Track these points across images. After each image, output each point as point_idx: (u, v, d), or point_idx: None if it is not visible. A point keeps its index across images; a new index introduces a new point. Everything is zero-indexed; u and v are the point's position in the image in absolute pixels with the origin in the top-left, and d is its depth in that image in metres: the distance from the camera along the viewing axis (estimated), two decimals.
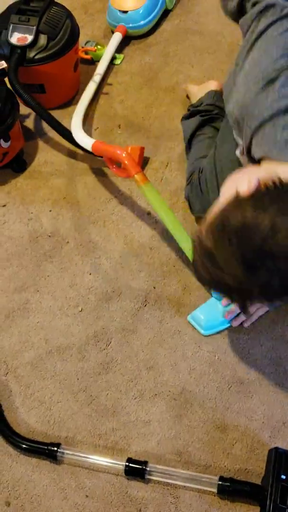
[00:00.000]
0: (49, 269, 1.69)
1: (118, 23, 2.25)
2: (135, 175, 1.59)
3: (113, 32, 2.25)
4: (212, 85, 1.93)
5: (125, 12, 2.24)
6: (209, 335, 1.54)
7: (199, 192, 1.66)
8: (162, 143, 1.96)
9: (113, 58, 2.22)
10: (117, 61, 2.23)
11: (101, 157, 1.81)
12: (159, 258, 1.70)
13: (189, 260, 1.60)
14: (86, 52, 2.18)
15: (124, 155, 1.61)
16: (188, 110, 1.91)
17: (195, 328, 1.56)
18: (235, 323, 1.54)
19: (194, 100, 1.98)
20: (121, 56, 2.25)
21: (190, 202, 1.72)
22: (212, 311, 1.55)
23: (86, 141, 1.78)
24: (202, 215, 1.48)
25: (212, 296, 1.58)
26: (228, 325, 1.54)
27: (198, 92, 1.97)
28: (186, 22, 2.35)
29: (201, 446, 1.38)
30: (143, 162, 1.91)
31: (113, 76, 2.18)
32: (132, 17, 2.24)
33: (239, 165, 1.49)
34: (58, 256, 1.72)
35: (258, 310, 1.54)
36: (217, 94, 1.87)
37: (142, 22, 2.26)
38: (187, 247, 1.56)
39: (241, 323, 1.54)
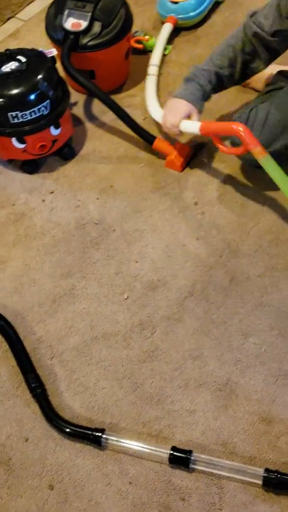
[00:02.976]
0: (95, 256, 1.70)
1: (169, 13, 2.24)
2: (254, 148, 1.55)
3: (163, 23, 2.24)
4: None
5: (176, 2, 2.23)
6: None
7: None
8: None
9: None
10: (166, 51, 2.22)
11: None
12: (205, 249, 1.68)
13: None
14: (139, 42, 2.17)
15: (241, 128, 1.55)
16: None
17: None
18: None
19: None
20: (170, 46, 2.24)
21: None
22: None
23: (192, 125, 1.71)
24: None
25: None
26: None
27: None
28: (236, 15, 2.32)
29: (246, 438, 1.37)
30: (190, 158, 1.91)
31: (163, 67, 2.17)
32: (183, 7, 2.23)
33: None
34: (104, 244, 1.72)
35: None
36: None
37: (192, 13, 2.25)
38: None
39: None
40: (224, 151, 1.69)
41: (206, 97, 1.74)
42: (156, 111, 1.88)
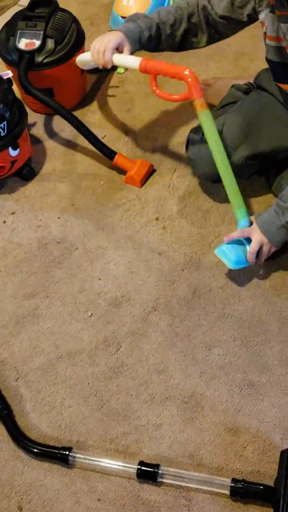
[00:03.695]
0: (58, 275, 1.70)
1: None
2: (197, 99, 1.53)
3: None
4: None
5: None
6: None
7: (200, 136, 1.71)
8: (169, 150, 1.98)
9: (116, 68, 2.25)
10: (120, 70, 2.25)
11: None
12: (168, 263, 1.70)
13: None
14: None
15: (188, 73, 1.51)
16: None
17: (223, 261, 1.61)
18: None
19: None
20: None
21: (189, 142, 1.78)
22: (238, 250, 1.60)
23: (131, 60, 1.64)
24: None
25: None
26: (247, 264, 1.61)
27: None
28: None
29: (213, 449, 1.38)
30: (150, 173, 1.93)
31: (120, 85, 2.20)
32: None
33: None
34: (67, 262, 1.73)
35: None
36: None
37: None
38: (236, 197, 1.61)
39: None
40: (159, 95, 1.64)
41: (141, 41, 1.68)
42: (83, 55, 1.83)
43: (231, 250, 1.60)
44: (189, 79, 1.52)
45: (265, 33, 1.53)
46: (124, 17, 2.25)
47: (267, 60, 1.58)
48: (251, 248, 1.56)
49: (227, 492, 1.28)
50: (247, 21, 1.60)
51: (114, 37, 1.64)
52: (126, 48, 1.66)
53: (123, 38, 1.64)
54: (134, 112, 2.10)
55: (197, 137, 1.74)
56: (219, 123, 1.69)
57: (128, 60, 1.64)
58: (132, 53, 1.66)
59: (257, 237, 1.55)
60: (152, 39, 1.69)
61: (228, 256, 1.59)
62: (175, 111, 2.09)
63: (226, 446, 1.38)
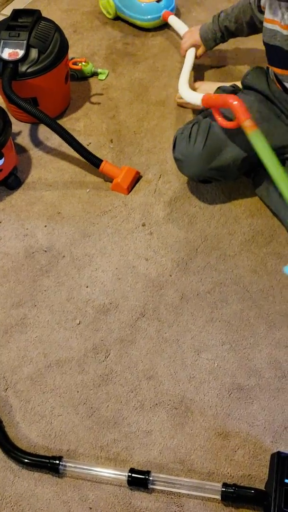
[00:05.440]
0: (46, 284, 1.70)
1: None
2: (245, 121, 1.56)
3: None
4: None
5: None
6: None
7: (187, 137, 1.72)
8: (154, 156, 1.98)
9: (97, 74, 2.26)
10: (102, 77, 2.25)
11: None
12: (155, 269, 1.70)
13: None
14: (76, 63, 2.20)
15: (235, 102, 1.57)
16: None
17: None
18: None
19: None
20: (106, 71, 2.27)
21: (176, 143, 1.77)
22: None
23: (194, 96, 1.79)
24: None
25: None
26: None
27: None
28: (173, 37, 2.37)
29: (203, 454, 1.38)
30: (136, 180, 1.93)
31: (104, 92, 2.20)
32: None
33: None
34: (54, 271, 1.72)
35: None
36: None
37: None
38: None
39: None
40: (221, 123, 1.67)
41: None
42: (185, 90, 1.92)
43: None
44: (235, 106, 1.56)
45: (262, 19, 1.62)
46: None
47: (264, 43, 1.63)
48: None
49: (218, 497, 1.28)
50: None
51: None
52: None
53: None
54: (118, 119, 2.11)
55: (183, 138, 1.75)
56: (205, 125, 1.71)
57: (194, 98, 1.78)
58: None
59: None
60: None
61: None
62: (159, 117, 2.09)
63: (216, 450, 1.38)
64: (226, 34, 1.96)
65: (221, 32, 1.96)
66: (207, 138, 1.69)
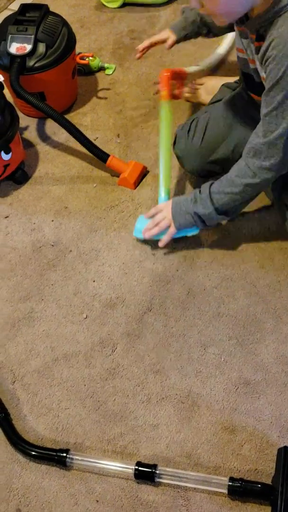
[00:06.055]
0: (53, 278, 1.70)
1: None
2: (161, 90, 1.81)
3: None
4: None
5: None
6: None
7: (186, 133, 1.77)
8: None
9: (104, 69, 2.27)
10: (109, 71, 2.25)
11: None
12: (162, 264, 1.70)
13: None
14: (84, 59, 2.20)
15: (164, 74, 1.84)
16: None
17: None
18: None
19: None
20: (113, 66, 2.27)
21: (176, 139, 1.81)
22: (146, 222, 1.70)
23: None
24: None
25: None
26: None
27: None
28: None
29: (210, 448, 1.38)
30: (143, 174, 1.94)
31: (111, 87, 2.20)
32: None
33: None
34: (61, 265, 1.73)
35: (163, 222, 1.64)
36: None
37: None
38: (165, 177, 1.74)
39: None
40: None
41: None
42: None
43: (142, 221, 1.71)
44: (160, 75, 1.85)
45: None
46: None
47: (239, 69, 1.62)
48: (149, 213, 1.69)
49: (225, 491, 1.28)
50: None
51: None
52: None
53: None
54: (125, 114, 2.11)
55: (182, 134, 1.76)
56: (204, 121, 1.74)
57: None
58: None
59: (164, 209, 1.64)
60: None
61: (136, 226, 1.72)
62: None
63: (223, 445, 1.38)
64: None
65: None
66: (204, 133, 1.73)
